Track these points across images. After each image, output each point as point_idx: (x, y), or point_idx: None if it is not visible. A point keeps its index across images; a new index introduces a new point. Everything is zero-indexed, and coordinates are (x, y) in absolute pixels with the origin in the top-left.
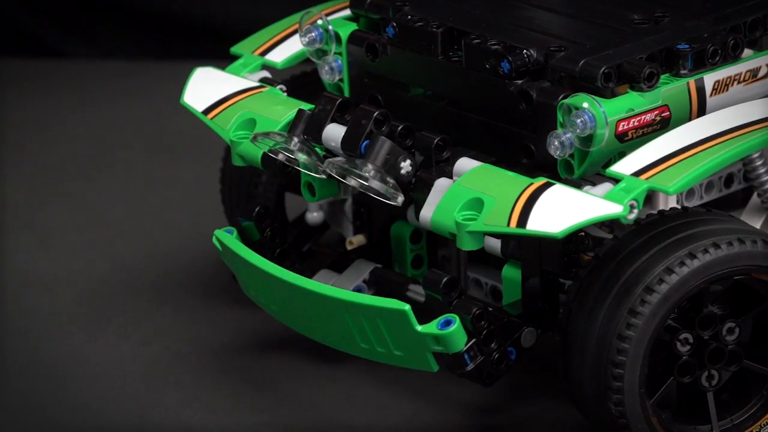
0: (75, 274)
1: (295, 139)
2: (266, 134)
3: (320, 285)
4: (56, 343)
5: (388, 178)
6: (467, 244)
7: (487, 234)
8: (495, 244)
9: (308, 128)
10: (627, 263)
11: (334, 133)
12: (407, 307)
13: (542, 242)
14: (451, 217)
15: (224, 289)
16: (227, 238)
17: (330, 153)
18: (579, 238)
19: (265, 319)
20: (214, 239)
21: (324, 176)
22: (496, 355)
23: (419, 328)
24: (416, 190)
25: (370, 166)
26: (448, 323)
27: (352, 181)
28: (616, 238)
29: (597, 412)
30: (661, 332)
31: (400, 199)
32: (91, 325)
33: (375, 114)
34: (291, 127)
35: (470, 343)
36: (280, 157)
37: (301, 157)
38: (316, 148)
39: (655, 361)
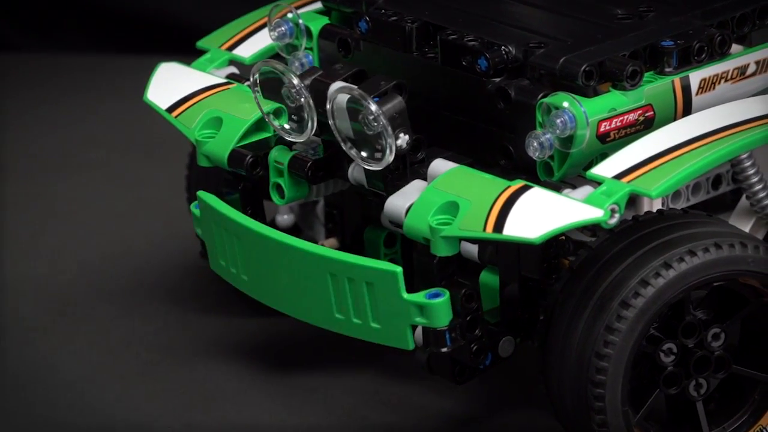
0: (40, 279)
1: (303, 83)
2: (276, 66)
3: (305, 242)
4: (21, 351)
5: (389, 129)
6: (442, 250)
7: (462, 239)
8: (472, 249)
9: (316, 81)
10: (601, 275)
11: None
12: (399, 269)
13: (520, 247)
14: (425, 222)
15: (198, 294)
16: (210, 198)
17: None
18: (559, 242)
19: (240, 326)
20: (192, 205)
21: (300, 138)
22: (475, 347)
23: (406, 295)
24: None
25: (382, 109)
26: (437, 295)
27: (338, 131)
28: (591, 248)
29: (580, 429)
30: (643, 344)
31: (388, 159)
32: (57, 332)
33: (395, 82)
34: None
35: (455, 323)
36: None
37: (299, 96)
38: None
39: (640, 374)
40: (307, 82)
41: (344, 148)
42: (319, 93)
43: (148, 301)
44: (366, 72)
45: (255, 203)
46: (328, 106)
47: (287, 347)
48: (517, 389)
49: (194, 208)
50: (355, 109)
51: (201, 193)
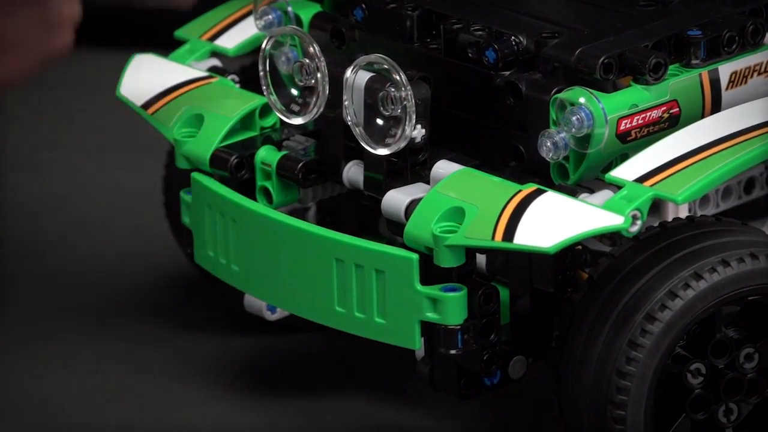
0: (1, 295)
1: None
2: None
3: (309, 224)
4: None
5: (413, 112)
6: (446, 260)
7: (469, 248)
8: (480, 259)
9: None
10: (625, 286)
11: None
12: (416, 256)
13: (533, 258)
14: (428, 229)
15: (175, 309)
16: (205, 179)
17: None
18: (575, 252)
19: (221, 344)
20: (182, 193)
21: (300, 120)
22: (488, 355)
23: (420, 285)
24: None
25: (412, 91)
26: (453, 289)
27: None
28: (613, 257)
29: None
30: (668, 363)
31: (393, 149)
32: (19, 352)
33: (421, 74)
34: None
35: (469, 323)
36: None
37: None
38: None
39: (664, 396)
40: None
41: (354, 130)
42: (334, 73)
43: (120, 318)
44: None
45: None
46: (347, 76)
47: (272, 366)
48: (526, 412)
49: (185, 194)
50: (375, 88)
51: (196, 174)
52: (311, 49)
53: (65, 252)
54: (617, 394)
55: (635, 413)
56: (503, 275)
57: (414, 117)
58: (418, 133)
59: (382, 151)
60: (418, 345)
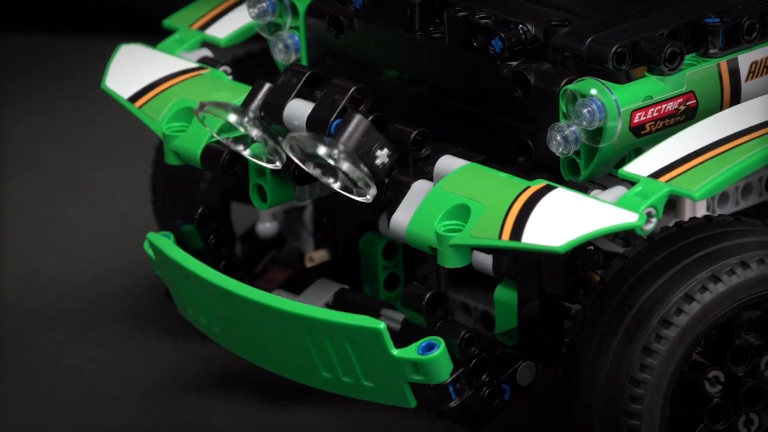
0: None
1: (251, 114)
2: (217, 105)
3: (274, 298)
4: None
5: (360, 165)
6: (451, 261)
7: (475, 248)
8: (486, 260)
9: (267, 103)
10: (639, 289)
11: (299, 109)
12: (382, 325)
13: (542, 258)
14: (431, 228)
15: (160, 315)
16: (163, 242)
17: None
18: (587, 252)
19: (210, 352)
20: (146, 245)
21: (278, 165)
22: (487, 391)
23: (395, 352)
24: (390, 193)
25: (340, 147)
26: (431, 347)
27: (313, 170)
28: (626, 258)
29: None
30: (685, 371)
31: (372, 192)
32: None
33: (351, 90)
34: (246, 100)
35: (457, 373)
36: (224, 138)
37: (253, 133)
38: (274, 128)
39: (680, 405)
40: (256, 105)
41: (323, 181)
42: (273, 115)
43: (104, 324)
44: (320, 75)
45: (219, 231)
46: (286, 149)
47: (265, 377)
48: (535, 421)
49: (148, 248)
50: (318, 152)
51: (152, 236)
52: (231, 119)
53: (46, 253)
54: (631, 403)
55: (650, 423)
56: (511, 276)
57: (362, 170)
58: (381, 158)
59: (363, 200)
60: (413, 403)
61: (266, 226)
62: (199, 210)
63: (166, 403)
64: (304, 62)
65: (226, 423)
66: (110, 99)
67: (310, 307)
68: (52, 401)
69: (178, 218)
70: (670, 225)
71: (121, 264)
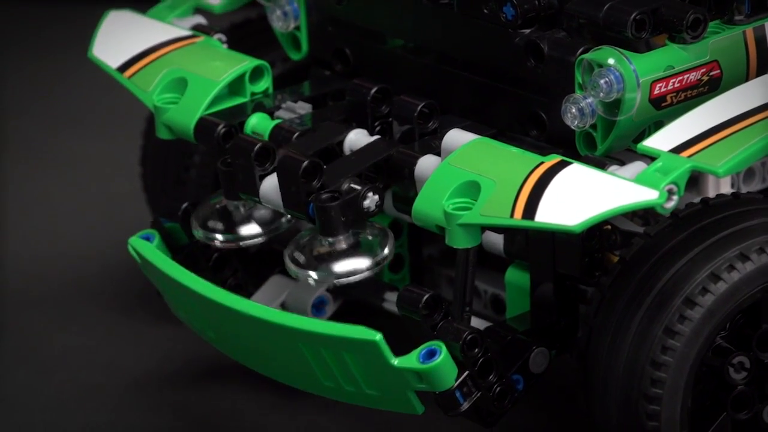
0: None
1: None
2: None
3: (264, 308)
4: None
5: (363, 253)
6: (460, 241)
7: (485, 228)
8: (496, 240)
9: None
10: (661, 268)
11: (274, 191)
12: (378, 336)
13: (556, 238)
14: (439, 206)
15: (148, 299)
16: (145, 247)
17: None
18: (604, 232)
19: (201, 339)
20: (129, 248)
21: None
22: (498, 389)
23: (395, 361)
24: (393, 173)
25: (340, 239)
26: (432, 354)
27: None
28: (648, 236)
29: None
30: (708, 356)
31: (390, 242)
32: None
33: (304, 164)
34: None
35: (462, 377)
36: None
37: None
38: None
39: (703, 392)
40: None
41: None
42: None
43: (88, 309)
44: (269, 148)
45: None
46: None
47: None
48: (548, 409)
49: (133, 252)
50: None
51: (133, 241)
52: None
53: (27, 234)
54: (651, 387)
55: (670, 409)
56: (523, 258)
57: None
58: (370, 202)
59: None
60: (420, 410)
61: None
62: (183, 206)
63: (155, 394)
64: (304, 31)
65: (218, 414)
66: (97, 69)
67: (303, 318)
68: (32, 391)
69: (161, 216)
70: (696, 201)
71: (107, 244)
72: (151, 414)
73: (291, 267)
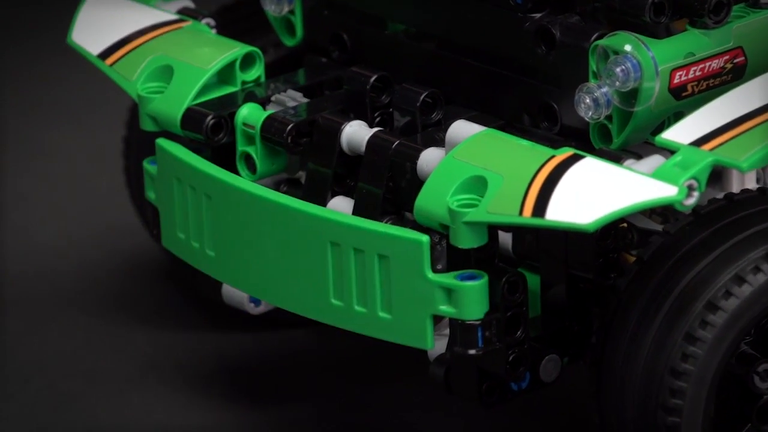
0: None
1: None
2: None
3: (298, 201)
4: None
5: None
6: (465, 240)
7: (492, 226)
8: (505, 239)
9: None
10: (681, 270)
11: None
12: (425, 238)
13: (569, 237)
14: (443, 203)
15: (130, 301)
16: (173, 146)
17: None
18: (619, 231)
19: (185, 344)
20: (145, 163)
21: None
22: (515, 354)
23: (431, 273)
24: (393, 167)
25: None
26: (471, 277)
27: None
28: (668, 234)
29: None
30: (732, 363)
31: None
32: None
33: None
34: None
35: (491, 317)
36: None
37: None
38: None
39: (726, 402)
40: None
41: None
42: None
43: (66, 312)
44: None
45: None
46: None
47: (253, 369)
48: (559, 421)
49: (148, 164)
50: None
51: (161, 141)
52: None
53: (7, 229)
54: (670, 398)
55: (692, 421)
56: (533, 258)
57: None
58: None
59: None
60: (430, 344)
61: None
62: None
63: (136, 402)
64: (299, 16)
65: (203, 423)
66: (77, 56)
67: (343, 213)
68: (7, 400)
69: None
70: (720, 197)
71: (85, 242)
72: (131, 423)
73: None
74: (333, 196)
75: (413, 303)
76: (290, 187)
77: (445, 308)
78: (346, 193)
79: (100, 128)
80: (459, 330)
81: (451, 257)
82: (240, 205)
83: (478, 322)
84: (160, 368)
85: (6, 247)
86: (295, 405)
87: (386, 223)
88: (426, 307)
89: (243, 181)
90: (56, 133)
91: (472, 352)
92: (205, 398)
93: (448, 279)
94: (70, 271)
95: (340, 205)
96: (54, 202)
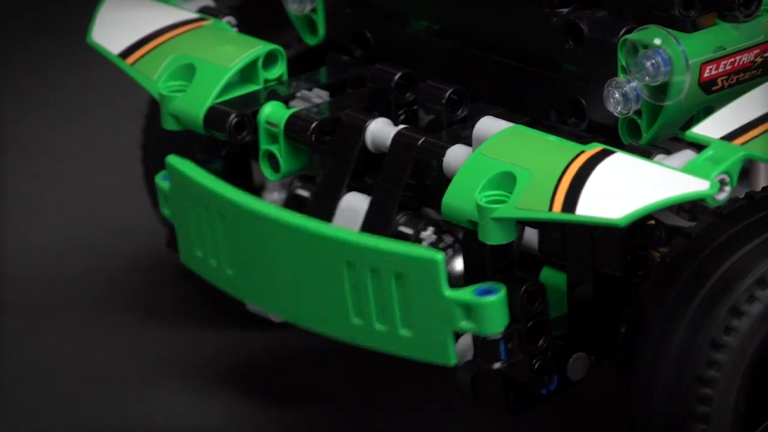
0: None
1: None
2: None
3: (314, 222)
4: None
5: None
6: (494, 237)
7: (521, 222)
8: (531, 236)
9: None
10: (706, 272)
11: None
12: (440, 256)
13: (596, 235)
14: (471, 199)
15: (129, 302)
16: (185, 165)
17: None
18: (647, 228)
19: (186, 344)
20: (157, 178)
21: None
22: (539, 362)
23: (449, 291)
24: (420, 167)
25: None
26: (488, 292)
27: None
28: (689, 236)
29: None
30: (759, 370)
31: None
32: None
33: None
34: None
35: (512, 329)
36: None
37: None
38: None
39: (755, 390)
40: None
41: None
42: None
43: (65, 312)
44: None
45: (242, 174)
46: None
47: (248, 372)
48: (584, 422)
49: (161, 180)
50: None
51: (171, 158)
52: None
53: (5, 229)
54: (698, 405)
55: (720, 427)
56: (559, 256)
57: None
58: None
59: None
60: (453, 360)
61: (274, 197)
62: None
63: (136, 403)
64: (321, 13)
65: (203, 423)
66: (96, 55)
67: (356, 233)
68: (7, 400)
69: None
70: (741, 197)
71: (85, 243)
72: (130, 424)
73: None
74: (348, 191)
75: (433, 320)
76: (304, 182)
77: (465, 324)
78: (362, 191)
79: (101, 129)
80: (481, 345)
81: (470, 265)
82: (253, 227)
83: (499, 336)
84: (161, 368)
85: (6, 247)
86: (301, 406)
87: (403, 219)
88: (446, 325)
89: (255, 202)
90: (56, 133)
91: (496, 366)
92: (206, 399)
93: (465, 295)
94: (69, 272)
95: (355, 201)
96: (54, 202)
